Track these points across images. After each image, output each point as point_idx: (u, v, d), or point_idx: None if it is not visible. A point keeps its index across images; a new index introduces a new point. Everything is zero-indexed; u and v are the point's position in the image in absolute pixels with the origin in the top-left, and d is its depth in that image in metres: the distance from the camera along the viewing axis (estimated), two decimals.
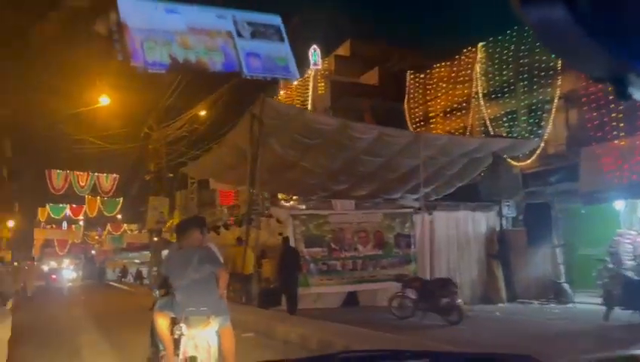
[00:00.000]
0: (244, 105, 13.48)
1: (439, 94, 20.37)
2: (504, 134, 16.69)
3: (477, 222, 14.55)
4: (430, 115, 20.54)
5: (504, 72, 17.47)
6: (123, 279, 39.94)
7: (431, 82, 20.81)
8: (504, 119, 17.68)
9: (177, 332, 4.83)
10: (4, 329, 5.77)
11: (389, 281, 12.47)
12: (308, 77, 24.49)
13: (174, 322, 4.89)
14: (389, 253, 13.53)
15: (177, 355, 4.82)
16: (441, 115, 20.24)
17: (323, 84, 25.50)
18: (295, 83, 24.04)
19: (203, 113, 18.71)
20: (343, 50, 28.27)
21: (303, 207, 15.54)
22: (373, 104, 22.80)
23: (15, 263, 31.31)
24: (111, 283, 39.02)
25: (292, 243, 12.66)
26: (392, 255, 13.54)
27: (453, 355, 2.19)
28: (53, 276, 44.49)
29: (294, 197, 17.40)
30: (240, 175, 15.08)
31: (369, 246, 13.43)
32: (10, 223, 44.81)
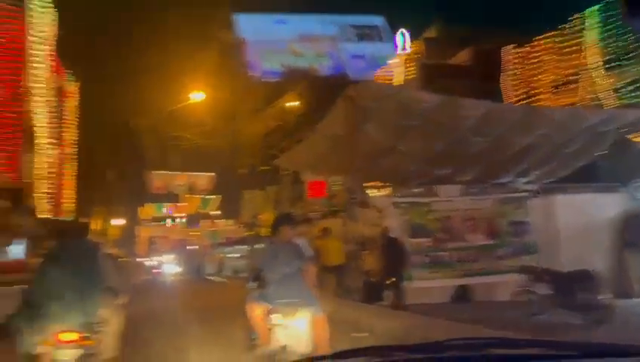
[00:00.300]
0: (336, 94, 12.68)
1: (543, 68, 18.31)
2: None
3: (603, 207, 12.57)
4: (534, 91, 18.51)
5: (625, 37, 15.19)
6: (221, 273, 40.61)
7: (533, 56, 18.77)
8: (625, 89, 15.38)
9: (271, 322, 5.03)
10: (116, 322, 5.59)
11: (507, 274, 10.96)
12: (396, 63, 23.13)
13: (268, 312, 5.09)
14: (503, 242, 12.01)
15: (271, 344, 4.99)
16: (546, 90, 18.16)
17: (412, 68, 24.08)
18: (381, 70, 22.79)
19: (294, 104, 18.00)
20: (433, 31, 26.68)
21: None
22: (466, 85, 21.08)
23: (123, 259, 32.55)
24: (210, 277, 39.79)
25: (395, 233, 11.50)
26: (506, 244, 12.01)
27: (578, 345, 1.68)
28: (157, 271, 46.34)
29: (383, 187, 16.27)
30: (335, 164, 14.16)
31: (479, 236, 11.99)
32: (118, 221, 47.23)
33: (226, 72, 16.10)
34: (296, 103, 17.99)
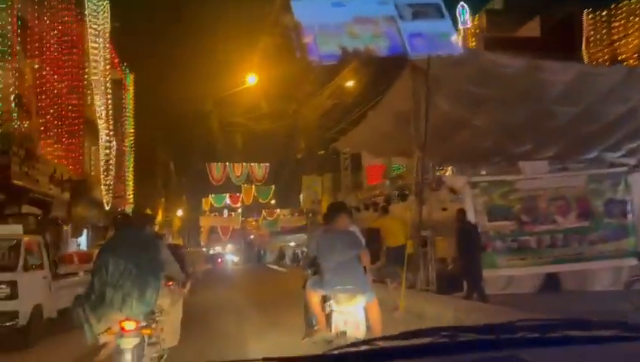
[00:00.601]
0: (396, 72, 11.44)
1: (630, 32, 16.19)
2: None
3: None
4: (620, 57, 16.43)
5: None
6: (281, 261, 40.19)
7: (618, 19, 16.66)
8: None
9: (328, 309, 5.09)
10: (177, 311, 5.64)
11: (605, 260, 9.40)
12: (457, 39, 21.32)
13: (325, 299, 5.16)
14: (598, 224, 10.39)
15: (329, 330, 5.05)
16: (635, 56, 16.06)
17: (474, 43, 22.28)
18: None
19: (351, 83, 16.75)
20: (495, 3, 24.72)
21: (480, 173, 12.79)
22: (535, 58, 19.06)
23: (187, 249, 32.61)
24: (269, 265, 39.49)
25: (471, 217, 10.14)
26: (602, 226, 10.38)
27: None
28: (219, 260, 46.70)
29: (449, 168, 14.81)
30: (400, 143, 12.87)
31: (571, 217, 10.41)
32: (180, 212, 47.84)
33: (282, 56, 15.09)
34: (354, 82, 16.69)
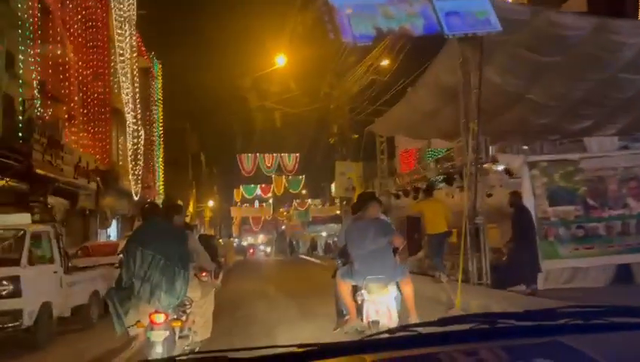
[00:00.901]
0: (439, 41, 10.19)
1: None
2: None
3: None
4: None
5: None
6: (313, 252, 39.32)
7: None
8: None
9: (359, 298, 5.01)
10: (208, 303, 5.31)
11: None
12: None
13: (355, 289, 5.09)
14: None
15: (361, 320, 4.96)
16: None
17: None
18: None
19: (387, 62, 15.46)
20: None
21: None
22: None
23: (220, 240, 32.14)
24: (302, 256, 38.67)
25: (530, 201, 8.85)
26: None
27: None
28: (251, 250, 46.30)
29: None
30: (443, 122, 11.62)
31: None
32: (211, 203, 47.48)
33: (313, 37, 14.01)
34: (389, 60, 15.36)
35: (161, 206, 15.30)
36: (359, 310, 4.98)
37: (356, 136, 16.91)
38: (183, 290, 4.48)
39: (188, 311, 4.72)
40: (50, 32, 14.91)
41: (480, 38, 8.47)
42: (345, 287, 5.13)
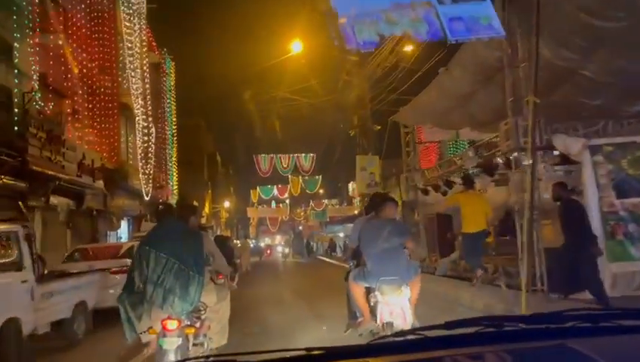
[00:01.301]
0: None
1: None
2: None
3: None
4: None
5: None
6: (332, 253, 37.91)
7: None
8: None
9: (373, 300, 4.87)
10: (224, 308, 4.87)
11: None
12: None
13: (369, 290, 4.95)
14: None
15: (375, 321, 4.82)
16: None
17: None
18: None
19: (409, 48, 14.01)
20: None
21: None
22: None
23: (237, 241, 31.00)
24: (320, 257, 37.34)
25: (592, 192, 7.37)
26: None
27: None
28: (268, 251, 45.19)
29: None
30: (478, 109, 10.20)
31: None
32: (227, 204, 46.48)
33: (326, 24, 12.68)
34: (411, 48, 13.90)
35: (172, 206, 14.18)
36: (373, 311, 4.87)
37: (379, 127, 15.46)
38: (197, 296, 4.26)
39: (202, 316, 4.47)
40: (52, 20, 13.80)
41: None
42: (358, 289, 5.01)
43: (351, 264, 5.50)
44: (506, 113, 8.96)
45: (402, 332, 1.59)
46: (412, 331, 1.49)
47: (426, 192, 11.80)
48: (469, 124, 11.64)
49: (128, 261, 9.02)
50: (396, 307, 4.70)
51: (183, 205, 6.79)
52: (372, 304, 4.86)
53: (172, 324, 4.10)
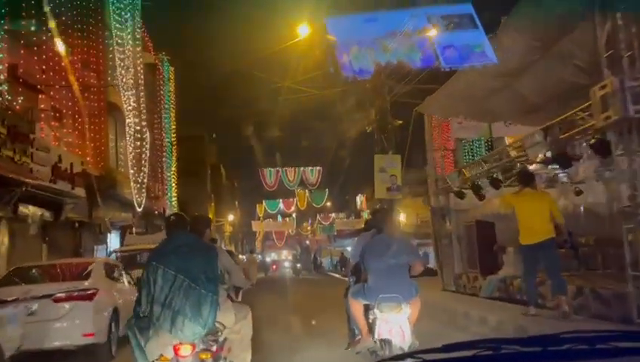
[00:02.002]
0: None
1: None
2: None
3: None
4: None
5: None
6: (343, 269, 35.52)
7: None
8: None
9: (371, 317, 4.72)
10: (245, 328, 4.36)
11: None
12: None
13: (367, 307, 4.79)
14: None
15: (372, 338, 4.70)
16: None
17: None
18: None
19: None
20: None
21: None
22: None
23: (243, 257, 28.78)
24: (330, 273, 34.97)
25: None
26: None
27: None
28: (274, 266, 43.08)
29: None
30: (538, 85, 7.99)
31: None
32: (231, 217, 44.46)
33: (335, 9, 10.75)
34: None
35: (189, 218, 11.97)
36: (371, 328, 4.67)
37: (400, 122, 13.23)
38: (211, 317, 3.64)
39: (220, 339, 3.89)
40: (23, 4, 11.83)
41: None
42: (357, 306, 4.82)
43: (351, 280, 5.36)
44: (572, 93, 6.80)
45: (400, 356, 1.56)
46: (410, 354, 1.45)
47: (460, 195, 9.54)
48: (516, 110, 9.37)
49: (87, 283, 6.81)
50: (395, 325, 4.52)
51: (197, 217, 5.19)
52: (371, 320, 4.70)
53: (186, 350, 3.59)
